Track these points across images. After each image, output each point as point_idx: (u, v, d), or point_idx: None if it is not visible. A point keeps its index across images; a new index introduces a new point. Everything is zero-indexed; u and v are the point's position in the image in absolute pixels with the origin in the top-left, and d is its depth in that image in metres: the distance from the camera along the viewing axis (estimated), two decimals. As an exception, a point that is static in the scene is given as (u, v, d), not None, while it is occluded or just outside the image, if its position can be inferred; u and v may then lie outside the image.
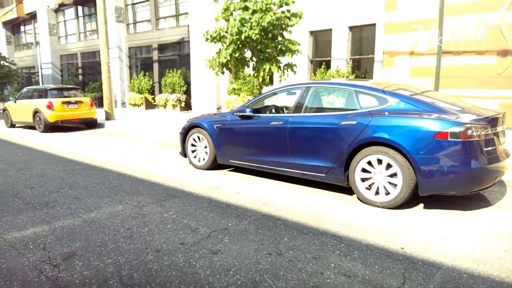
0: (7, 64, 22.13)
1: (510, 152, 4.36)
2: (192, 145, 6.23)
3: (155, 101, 18.20)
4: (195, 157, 6.23)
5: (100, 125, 12.82)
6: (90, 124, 12.65)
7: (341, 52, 11.82)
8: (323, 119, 4.57)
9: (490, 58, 9.01)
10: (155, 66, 18.66)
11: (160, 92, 18.05)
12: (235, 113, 5.55)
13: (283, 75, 7.61)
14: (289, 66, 7.88)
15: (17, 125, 13.13)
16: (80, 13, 22.73)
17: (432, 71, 10.06)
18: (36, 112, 11.74)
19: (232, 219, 3.79)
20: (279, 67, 7.72)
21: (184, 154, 6.39)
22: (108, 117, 13.75)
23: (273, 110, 5.80)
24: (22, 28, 28.54)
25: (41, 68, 24.45)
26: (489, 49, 9.01)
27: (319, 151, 4.56)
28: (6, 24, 28.39)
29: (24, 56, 28.33)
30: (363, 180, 4.25)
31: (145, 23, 18.90)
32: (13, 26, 28.93)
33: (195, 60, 15.48)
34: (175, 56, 17.94)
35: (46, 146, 8.77)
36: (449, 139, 3.74)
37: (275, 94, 5.46)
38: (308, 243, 3.18)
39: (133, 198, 4.56)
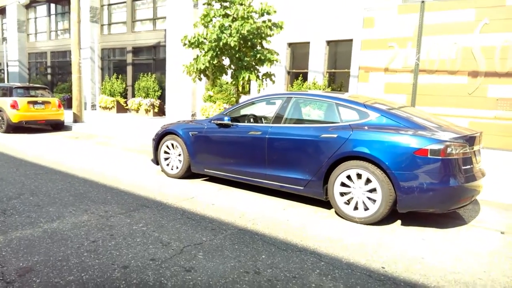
0: (-31, 59, 20.90)
1: (485, 171, 4.42)
2: (165, 152, 5.98)
3: (127, 105, 17.68)
4: (168, 165, 5.98)
5: (67, 128, 12.25)
6: (57, 126, 12.07)
7: (318, 65, 11.92)
8: (303, 131, 4.47)
9: (462, 78, 9.31)
10: (129, 69, 18.17)
11: (133, 96, 17.57)
12: (212, 121, 5.38)
13: (262, 84, 7.52)
14: (268, 75, 7.80)
15: (-24, 124, 12.32)
16: (53, 11, 21.91)
17: (406, 88, 10.31)
18: (-2, 111, 11.06)
19: (207, 233, 3.59)
20: (258, 76, 7.63)
21: (156, 161, 6.13)
22: (77, 119, 13.17)
23: (252, 120, 5.67)
24: (-12, 22, 27.18)
25: (7, 66, 23.31)
26: (461, 69, 9.31)
27: (298, 163, 4.45)
28: (-30, 17, 26.96)
29: (-11, 52, 26.96)
30: (342, 194, 4.17)
31: (121, 25, 18.43)
32: (-22, 20, 27.51)
33: (171, 65, 15.18)
34: (150, 60, 17.55)
35: (7, 147, 8.23)
36: (429, 156, 3.72)
37: (253, 103, 5.34)
38: (287, 261, 3.03)
39: (100, 207, 4.27)
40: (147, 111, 16.64)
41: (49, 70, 22.76)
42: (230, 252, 3.16)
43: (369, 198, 4.00)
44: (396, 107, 4.79)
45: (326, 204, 4.49)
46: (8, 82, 21.77)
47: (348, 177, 4.09)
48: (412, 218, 4.19)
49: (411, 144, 3.79)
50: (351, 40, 11.30)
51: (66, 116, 12.47)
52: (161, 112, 16.64)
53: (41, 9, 22.49)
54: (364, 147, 3.96)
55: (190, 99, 15.05)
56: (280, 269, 2.88)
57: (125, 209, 4.22)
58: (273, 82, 7.85)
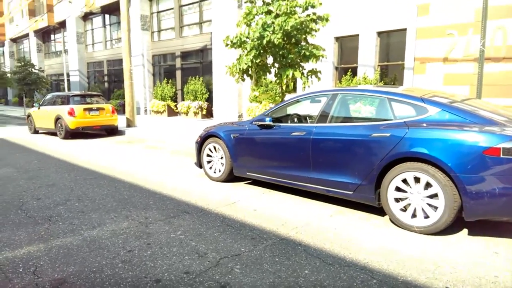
0: (35, 71, 22.67)
1: None
2: (208, 155, 5.85)
3: (177, 109, 18.09)
4: (210, 168, 5.84)
5: (121, 132, 12.71)
6: (111, 131, 12.56)
7: (368, 59, 11.25)
8: (351, 130, 4.07)
9: (535, 64, 8.24)
10: (178, 73, 18.59)
11: (183, 99, 17.94)
12: (253, 122, 5.14)
13: (307, 82, 7.15)
14: (313, 72, 7.41)
15: (40, 131, 13.22)
16: (107, 22, 23.12)
17: (468, 79, 9.37)
18: (58, 119, 11.75)
19: (246, 242, 3.34)
20: (303, 73, 7.27)
21: (199, 164, 6.02)
22: (129, 124, 13.65)
23: (295, 120, 5.35)
24: (52, 36, 29.39)
25: (68, 75, 24.99)
26: (534, 54, 8.24)
27: (346, 166, 4.06)
28: (37, 32, 29.33)
29: (53, 63, 29.12)
30: (397, 200, 3.72)
31: (169, 31, 18.91)
32: (44, 35, 29.86)
33: (217, 67, 15.25)
34: (197, 64, 17.80)
35: (63, 153, 8.63)
36: (501, 156, 3.17)
37: (297, 101, 5.01)
38: (334, 278, 2.69)
39: (141, 213, 4.20)
40: (195, 113, 16.89)
41: (106, 78, 24.02)
42: (270, 266, 2.88)
43: (429, 205, 3.52)
44: (459, 100, 4.22)
45: (379, 210, 4.06)
46: (69, 90, 23.30)
47: (404, 181, 3.64)
48: (482, 227, 3.64)
49: (479, 143, 3.26)
50: (404, 30, 10.52)
51: (120, 121, 12.96)
52: (209, 114, 16.80)
53: (97, 20, 23.81)
54: (422, 147, 3.48)
55: (237, 100, 15.01)
56: (325, 288, 2.56)
57: (165, 215, 4.11)
58: (319, 79, 7.45)
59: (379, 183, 3.82)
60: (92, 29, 24.38)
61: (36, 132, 13.20)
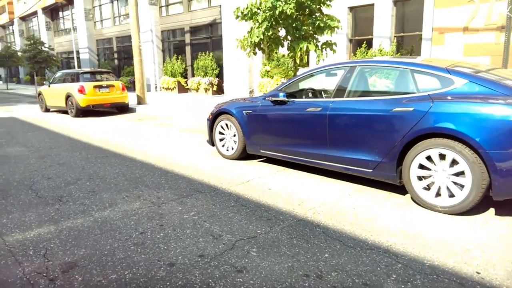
0: (45, 49, 22.56)
1: None
2: (220, 133, 5.69)
3: (187, 85, 17.86)
4: (223, 146, 5.69)
5: (131, 110, 12.62)
6: (122, 108, 12.47)
7: (384, 30, 10.77)
8: (371, 105, 3.84)
9: None
10: (188, 49, 18.24)
11: (193, 75, 17.67)
12: (266, 98, 4.93)
13: (321, 55, 6.84)
14: (328, 44, 7.08)
15: (51, 109, 13.20)
16: (114, -3, 22.66)
17: (490, 49, 8.90)
18: (68, 97, 11.67)
19: (262, 223, 3.22)
20: (317, 46, 6.95)
21: (211, 142, 5.87)
22: (140, 101, 13.53)
23: (310, 95, 5.11)
24: (60, 13, 29.07)
25: (79, 53, 24.82)
26: None
27: (366, 143, 3.86)
28: (45, 10, 29.01)
29: (63, 41, 28.92)
30: (420, 178, 3.52)
31: (177, 5, 18.43)
32: (52, 12, 29.54)
33: (227, 42, 14.87)
34: (207, 39, 17.41)
35: (74, 131, 8.58)
36: (537, 130, 2.93)
37: (312, 75, 4.76)
38: (356, 262, 2.55)
39: (153, 193, 4.10)
40: (206, 90, 16.65)
41: (115, 55, 23.80)
42: (288, 249, 2.75)
43: (455, 183, 3.32)
44: (485, 69, 3.93)
45: (400, 188, 3.88)
46: (79, 68, 23.18)
47: (428, 158, 3.42)
48: (509, 207, 3.43)
49: (510, 116, 3.01)
50: (423, -2, 9.98)
51: (131, 99, 12.84)
52: (219, 90, 16.55)
53: (104, -4, 23.35)
54: (448, 122, 3.25)
55: (247, 76, 14.69)
56: (347, 273, 2.42)
57: (178, 195, 4.00)
58: (334, 51, 7.12)
59: (401, 160, 3.62)
60: (100, 5, 23.97)
61: (47, 110, 13.19)
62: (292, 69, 7.76)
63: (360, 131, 3.89)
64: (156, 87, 19.45)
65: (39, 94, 13.41)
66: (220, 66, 16.28)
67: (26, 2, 30.06)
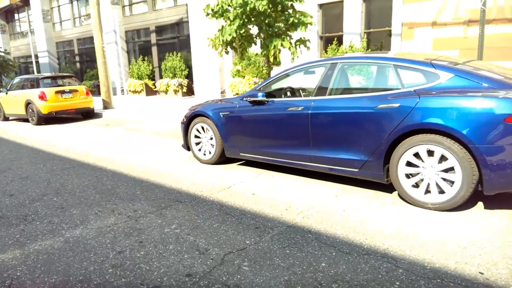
0: (0, 54, 21.25)
1: None
2: (196, 136, 5.43)
3: (155, 87, 17.33)
4: (199, 150, 5.44)
5: (97, 115, 12.04)
6: (87, 114, 11.87)
7: (354, 26, 10.82)
8: (354, 102, 3.72)
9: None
10: (154, 49, 17.70)
11: (161, 77, 17.17)
12: (244, 98, 4.72)
13: (296, 52, 6.72)
14: (302, 41, 6.97)
15: (10, 118, 12.39)
16: (74, -3, 21.65)
17: (458, 43, 9.11)
18: (28, 104, 10.97)
19: (250, 233, 3.02)
20: (291, 43, 6.81)
21: (187, 147, 5.60)
22: (106, 105, 12.95)
23: (289, 94, 4.96)
24: (16, 15, 27.51)
25: (37, 57, 23.57)
26: (525, 14, 8.00)
27: (351, 142, 3.74)
28: (-2, 12, 27.36)
29: (20, 45, 27.39)
30: (408, 176, 3.44)
31: (141, 4, 17.83)
32: (7, 14, 27.90)
33: (196, 41, 14.52)
34: (174, 39, 16.95)
35: (37, 141, 8.03)
36: (524, 123, 2.90)
37: (290, 74, 4.58)
38: (355, 270, 2.41)
39: (129, 205, 3.80)
40: (175, 91, 16.22)
41: (77, 58, 22.77)
42: (281, 260, 2.57)
43: (444, 180, 3.26)
44: (462, 62, 3.90)
45: (387, 187, 3.80)
46: (39, 73, 21.99)
47: (416, 154, 3.35)
48: (496, 200, 3.42)
49: (499, 110, 2.97)
50: (390, -6, 10.10)
51: (96, 103, 12.25)
52: (190, 91, 16.17)
53: (63, -4, 22.28)
54: (436, 117, 3.18)
55: (218, 76, 14.42)
56: (349, 283, 2.26)
57: (156, 207, 3.73)
58: (308, 48, 7.02)
59: (387, 158, 3.53)
60: (59, 6, 22.83)
61: (6, 119, 12.38)
62: (265, 68, 7.58)
63: (344, 129, 3.77)
64: (122, 90, 18.76)
65: (-4, 102, 12.55)
66: (189, 66, 15.90)
67: (-24, 4, 28.23)
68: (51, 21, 23.35)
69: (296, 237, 2.91)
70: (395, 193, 3.73)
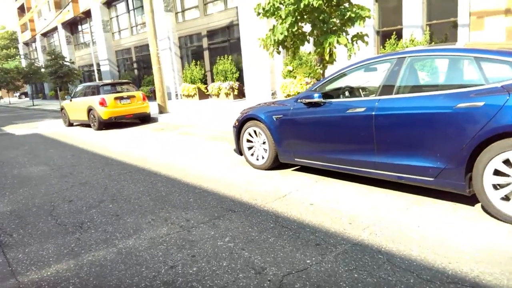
0: (66, 63, 22.82)
1: None
2: (248, 140, 5.23)
3: (208, 91, 17.57)
4: (252, 154, 5.23)
5: (153, 119, 12.36)
6: (144, 119, 12.23)
7: (414, 18, 10.06)
8: (428, 102, 3.27)
9: None
10: (206, 54, 17.95)
11: (213, 80, 17.36)
12: (299, 100, 4.43)
13: (353, 48, 6.28)
14: (359, 36, 6.51)
15: (74, 123, 13.13)
16: (131, 6, 22.69)
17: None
18: (90, 110, 11.53)
19: (311, 250, 2.72)
20: (347, 39, 6.38)
21: (239, 151, 5.42)
22: (161, 110, 13.28)
23: (347, 94, 4.58)
24: (79, 27, 29.50)
25: (99, 65, 25.01)
26: None
27: (424, 147, 3.30)
28: (64, 24, 29.53)
29: (83, 54, 29.33)
30: (496, 187, 2.94)
31: (193, 10, 18.19)
32: (71, 26, 30.04)
33: (246, 43, 14.46)
34: (225, 42, 17.06)
35: (97, 146, 8.33)
36: None
37: (348, 73, 4.18)
38: (441, 303, 2.02)
39: (181, 214, 3.67)
40: (227, 94, 16.30)
41: (135, 65, 23.83)
42: (349, 287, 2.24)
43: (544, 192, 2.72)
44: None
45: (467, 198, 3.30)
46: (100, 80, 23.32)
47: (506, 161, 2.84)
48: None
49: None
50: (456, -19, 9.24)
51: (152, 108, 12.60)
52: (241, 94, 16.16)
53: (120, 6, 23.44)
54: (533, 117, 2.66)
55: (269, 77, 14.22)
56: (434, 321, 1.89)
57: (209, 216, 3.55)
58: (367, 43, 6.54)
59: (470, 166, 3.05)
60: (117, 16, 24.09)
61: (70, 124, 13.13)
62: (318, 67, 7.21)
63: (416, 132, 3.33)
64: (176, 94, 19.25)
65: (62, 108, 13.39)
66: (239, 69, 15.90)
67: (46, 18, 30.71)
68: (110, 31, 24.68)
69: (364, 257, 2.56)
70: (478, 205, 3.22)
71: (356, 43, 6.56)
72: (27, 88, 39.97)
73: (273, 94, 14.30)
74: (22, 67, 30.04)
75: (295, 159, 4.59)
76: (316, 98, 4.12)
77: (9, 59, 44.06)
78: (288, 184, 4.37)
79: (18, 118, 18.38)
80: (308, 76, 12.41)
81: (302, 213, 3.44)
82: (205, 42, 17.85)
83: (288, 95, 13.02)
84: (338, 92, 4.47)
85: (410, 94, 3.49)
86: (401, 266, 2.41)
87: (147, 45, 21.23)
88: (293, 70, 13.04)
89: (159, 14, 17.98)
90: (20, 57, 41.44)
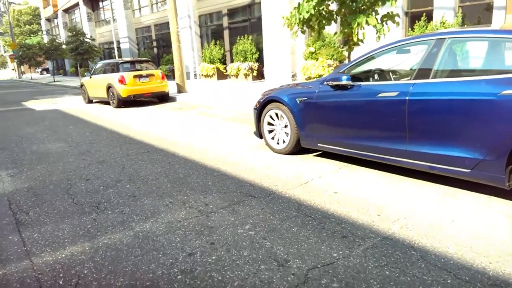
0: (87, 40, 22.85)
1: None
2: (269, 123, 5.05)
3: (226, 71, 17.33)
4: (272, 138, 5.06)
5: (171, 99, 12.27)
6: (162, 97, 12.15)
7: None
8: (469, 87, 3.01)
9: None
10: (226, 33, 17.62)
11: (232, 61, 17.08)
12: (325, 82, 4.19)
13: (382, 29, 5.93)
14: (390, 17, 6.13)
15: (93, 100, 13.16)
16: (151, -17, 22.37)
17: None
18: (109, 87, 11.50)
19: (337, 243, 2.56)
20: (377, 19, 6.03)
21: (259, 134, 5.25)
22: (180, 89, 13.16)
23: (376, 77, 4.31)
24: (100, 4, 29.40)
25: (119, 43, 24.97)
26: None
27: (461, 136, 3.05)
28: (86, 1, 29.46)
29: (104, 31, 29.33)
30: (542, 182, 2.69)
31: (214, -13, 17.77)
32: (92, 3, 29.96)
33: (267, 23, 14.08)
34: (245, 22, 16.67)
35: (115, 123, 8.30)
36: None
37: (375, 55, 3.90)
38: (483, 310, 1.84)
39: (200, 198, 3.55)
40: (246, 75, 16.03)
41: (154, 44, 23.68)
42: (381, 285, 2.07)
43: None
44: None
45: (504, 192, 3.06)
46: (119, 58, 23.31)
47: (557, 156, 2.59)
48: None
49: None
50: (495, -41, 8.63)
51: (170, 87, 12.48)
52: (260, 75, 15.86)
53: (141, -17, 23.13)
54: None
55: (290, 59, 13.86)
56: (478, 330, 1.71)
57: (228, 201, 3.43)
58: (397, 24, 6.17)
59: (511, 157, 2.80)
60: (137, -7, 23.84)
61: (90, 101, 13.16)
62: (342, 48, 6.85)
63: (454, 120, 3.08)
64: (195, 74, 19.09)
65: (82, 85, 13.41)
66: (259, 50, 15.55)
67: (67, -5, 30.70)
68: (131, 8, 24.49)
69: (395, 253, 2.38)
70: (518, 201, 2.98)
71: (386, 23, 6.20)
72: (49, 64, 40.44)
73: (293, 76, 13.97)
74: (44, 43, 30.28)
75: (318, 144, 4.39)
76: (345, 80, 3.88)
77: (32, 35, 44.57)
78: (309, 170, 4.19)
79: (39, 93, 18.61)
80: (331, 58, 12.02)
81: (326, 201, 3.27)
82: (225, 21, 17.50)
83: (309, 78, 12.68)
84: (367, 75, 4.21)
85: (448, 79, 3.22)
86: (436, 264, 2.23)
87: (167, 23, 20.98)
88: (315, 51, 12.65)
89: (179, -9, 17.64)
90: (42, 33, 41.84)
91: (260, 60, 15.70)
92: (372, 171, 3.98)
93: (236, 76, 16.51)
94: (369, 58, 3.97)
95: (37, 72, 46.88)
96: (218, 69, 17.50)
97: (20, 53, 29.41)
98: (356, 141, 3.91)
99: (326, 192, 3.50)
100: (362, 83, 3.91)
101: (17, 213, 3.44)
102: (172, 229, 2.93)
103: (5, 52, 60.49)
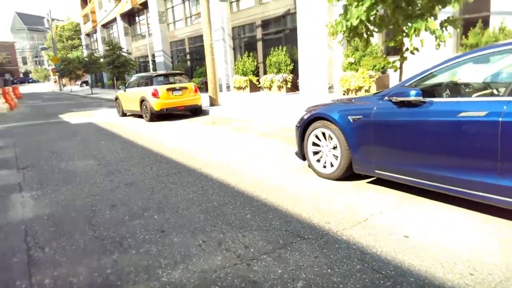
0: (123, 53, 23.24)
1: None
2: (314, 144, 4.44)
3: (259, 83, 16.91)
4: (318, 160, 4.44)
5: (204, 112, 11.92)
6: (195, 111, 11.82)
7: (506, 3, 8.59)
8: None
9: None
10: (259, 45, 17.25)
11: (265, 73, 16.65)
12: (386, 98, 3.54)
13: (442, 36, 5.20)
14: (451, 21, 5.39)
15: (127, 114, 13.05)
16: (186, -3, 22.52)
17: None
18: (142, 101, 11.31)
19: (426, 319, 1.90)
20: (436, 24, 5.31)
21: (302, 155, 4.65)
22: (213, 102, 12.81)
23: (452, 92, 3.61)
24: (136, 18, 30.07)
25: (154, 56, 25.26)
26: None
27: None
28: (123, 16, 30.25)
29: (140, 45, 29.89)
30: None
31: (249, -1, 17.52)
32: (129, 17, 30.71)
33: (303, 33, 13.54)
34: (280, 32, 16.24)
35: (147, 139, 7.96)
36: None
37: (456, 66, 3.24)
38: None
39: (238, 237, 2.98)
40: (279, 87, 15.53)
41: (188, 56, 23.74)
42: None
43: None
44: None
45: None
46: (154, 71, 23.49)
47: None
48: None
49: None
50: None
51: (203, 100, 12.15)
52: (294, 87, 15.31)
53: (176, -3, 23.35)
54: None
55: (326, 70, 13.21)
56: None
57: (272, 243, 2.83)
58: (460, 29, 5.47)
59: None
60: (173, 7, 24.09)
61: (124, 114, 13.06)
62: (398, 59, 6.12)
63: None
64: (228, 86, 18.81)
65: (116, 98, 13.36)
66: (294, 61, 15.03)
67: (106, 10, 31.68)
68: (165, 22, 24.77)
69: None
70: None
71: (446, 29, 5.46)
72: (88, 77, 41.84)
73: (330, 88, 13.30)
74: (83, 57, 31.27)
75: (376, 170, 3.72)
76: (413, 96, 3.22)
77: (73, 49, 46.42)
78: (366, 202, 3.53)
79: (76, 106, 18.93)
80: (372, 69, 11.27)
81: (396, 250, 2.61)
82: (259, 33, 17.15)
83: (348, 89, 11.99)
84: (438, 90, 3.53)
85: (560, 96, 2.50)
86: None
87: (201, 36, 20.96)
88: (355, 62, 11.95)
89: (214, 3, 17.54)
90: (82, 47, 43.49)
91: (294, 71, 15.17)
92: (446, 206, 3.26)
93: (269, 88, 16.04)
94: (442, 70, 3.29)
95: (77, 84, 48.64)
96: (251, 81, 17.11)
97: (62, 66, 30.46)
98: (427, 170, 3.22)
99: (394, 235, 2.83)
100: (434, 100, 3.23)
101: (31, 249, 3.02)
102: (206, 282, 2.37)
103: (48, 65, 63.63)
